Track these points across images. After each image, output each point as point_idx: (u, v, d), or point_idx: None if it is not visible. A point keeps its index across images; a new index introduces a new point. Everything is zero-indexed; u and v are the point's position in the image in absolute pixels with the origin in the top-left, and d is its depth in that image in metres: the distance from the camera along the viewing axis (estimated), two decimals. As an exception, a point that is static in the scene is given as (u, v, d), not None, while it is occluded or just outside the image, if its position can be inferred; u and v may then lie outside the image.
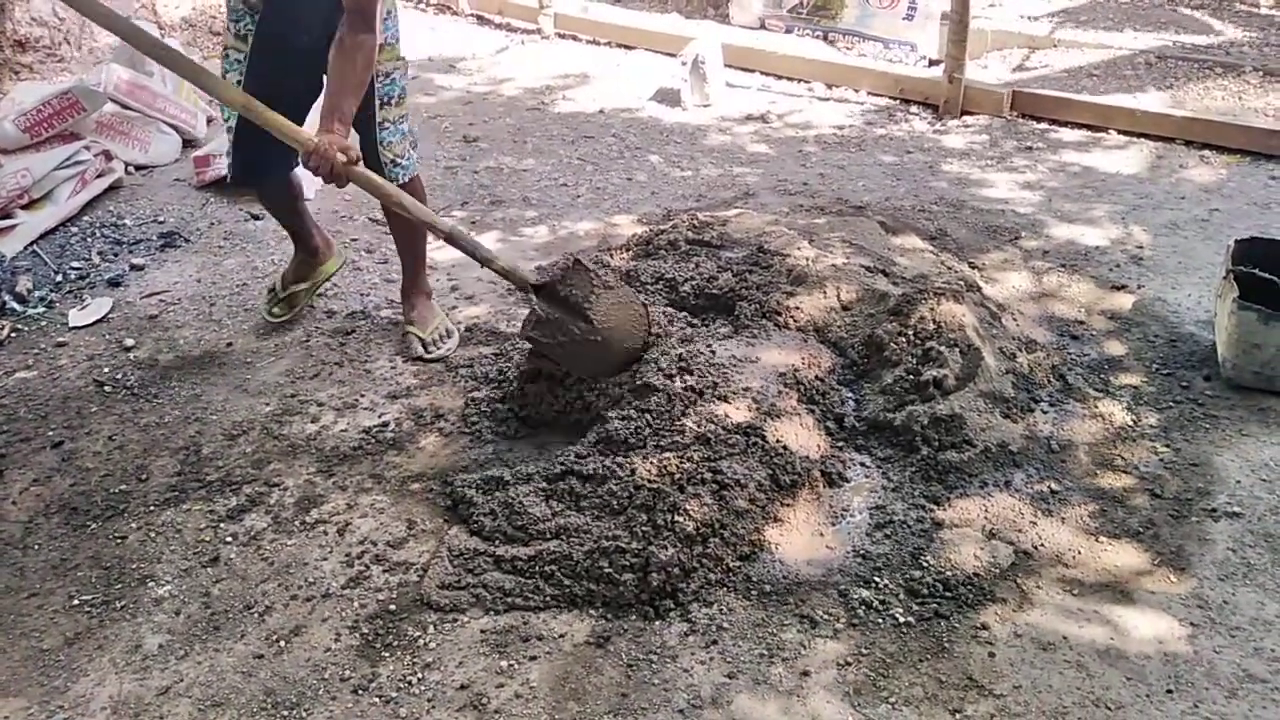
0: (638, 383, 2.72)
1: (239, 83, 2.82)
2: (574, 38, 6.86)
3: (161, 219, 4.30)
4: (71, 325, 3.52)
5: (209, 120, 5.19)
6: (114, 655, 2.20)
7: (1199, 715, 1.95)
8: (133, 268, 3.88)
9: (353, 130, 2.84)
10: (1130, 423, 2.81)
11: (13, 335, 3.47)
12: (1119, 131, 4.89)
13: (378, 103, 2.92)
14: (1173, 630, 2.15)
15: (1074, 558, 2.35)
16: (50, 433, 2.94)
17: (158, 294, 3.70)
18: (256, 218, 4.21)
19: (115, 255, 4.00)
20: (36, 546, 2.52)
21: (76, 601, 2.34)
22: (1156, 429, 2.78)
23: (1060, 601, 2.23)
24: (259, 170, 3.10)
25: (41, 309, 3.63)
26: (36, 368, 3.28)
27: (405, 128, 3.04)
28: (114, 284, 3.77)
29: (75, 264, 3.93)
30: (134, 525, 2.55)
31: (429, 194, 4.49)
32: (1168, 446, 2.71)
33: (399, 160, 3.03)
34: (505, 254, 3.89)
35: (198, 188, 4.55)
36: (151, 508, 2.62)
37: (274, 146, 2.72)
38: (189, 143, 5.01)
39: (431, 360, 3.19)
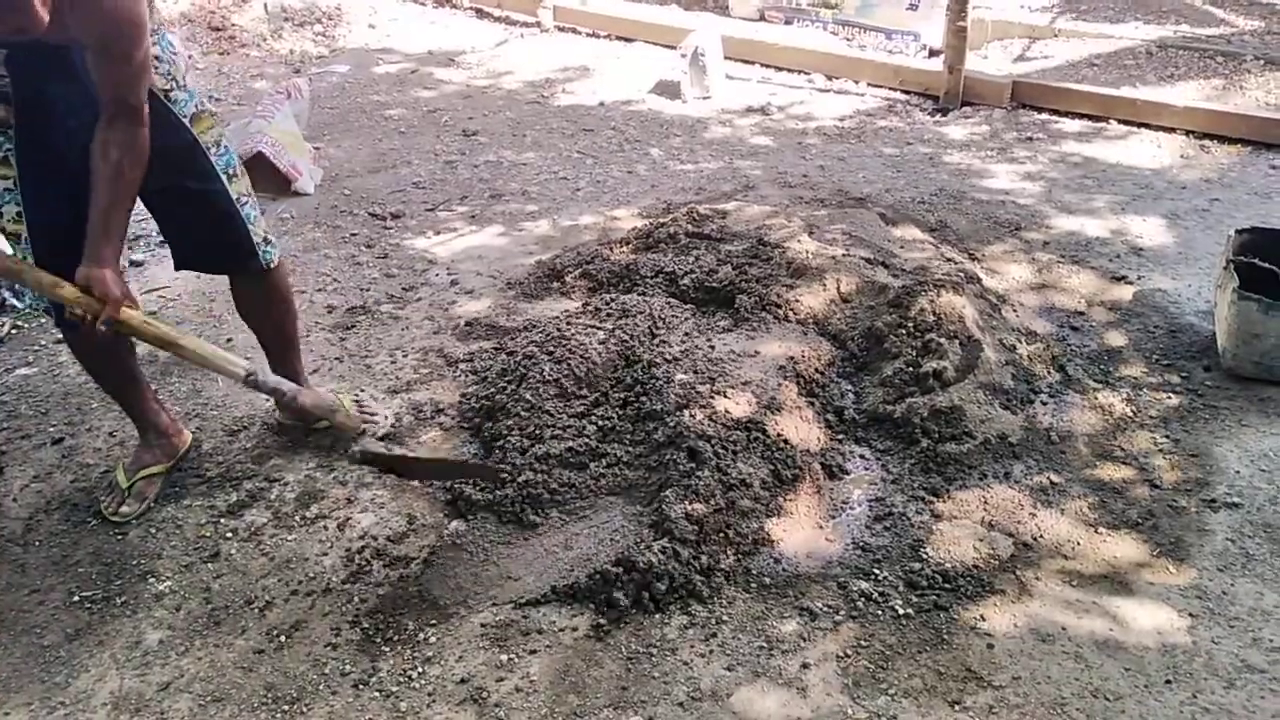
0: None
1: (19, 215, 2.27)
2: (573, 30, 6.84)
3: (161, 215, 4.29)
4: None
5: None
6: (115, 651, 2.20)
7: (1197, 705, 1.96)
8: (132, 264, 3.88)
9: (206, 226, 2.44)
10: (1130, 414, 2.81)
11: (13, 332, 3.48)
12: (1120, 122, 4.88)
13: (224, 179, 2.40)
14: (1172, 621, 2.15)
15: (1073, 549, 2.35)
16: (51, 429, 2.95)
17: (157, 290, 3.70)
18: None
19: (115, 251, 3.99)
20: (37, 543, 2.52)
21: (77, 598, 2.35)
22: (1156, 420, 2.78)
23: (1059, 593, 2.23)
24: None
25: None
26: (37, 364, 3.29)
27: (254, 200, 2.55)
28: (114, 280, 3.77)
29: (75, 260, 3.93)
30: (134, 521, 2.56)
31: (430, 190, 4.50)
32: (1167, 437, 2.71)
33: (269, 237, 2.55)
34: (507, 248, 3.92)
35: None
36: (152, 504, 2.62)
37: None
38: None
39: (385, 432, 2.72)
